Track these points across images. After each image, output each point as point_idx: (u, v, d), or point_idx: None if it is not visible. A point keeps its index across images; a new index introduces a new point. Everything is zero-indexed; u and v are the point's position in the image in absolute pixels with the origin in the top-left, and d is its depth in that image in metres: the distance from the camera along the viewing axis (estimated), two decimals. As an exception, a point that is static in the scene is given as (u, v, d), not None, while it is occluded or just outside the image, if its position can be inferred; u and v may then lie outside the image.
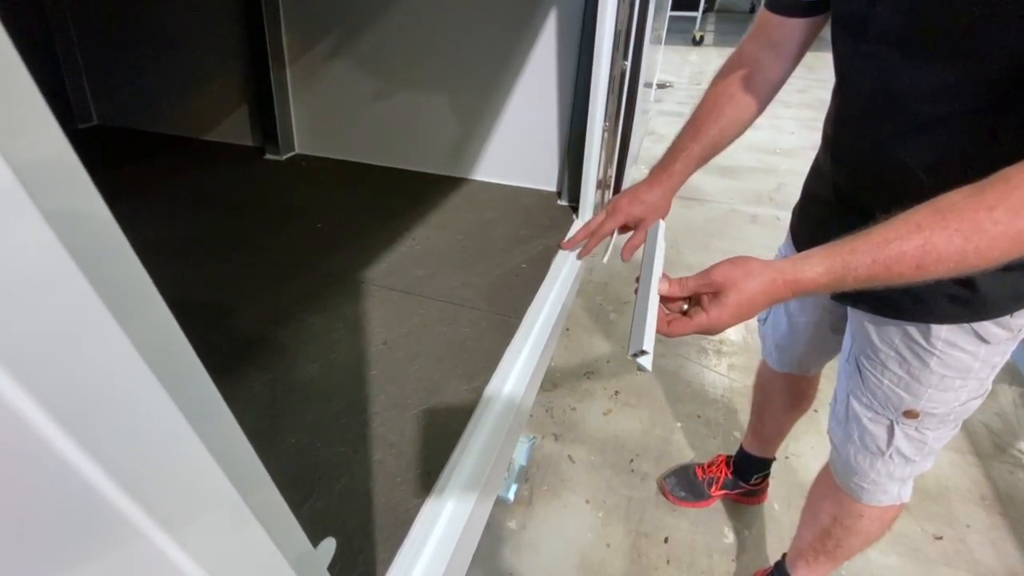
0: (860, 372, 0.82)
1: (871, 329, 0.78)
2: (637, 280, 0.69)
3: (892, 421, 0.81)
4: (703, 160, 0.85)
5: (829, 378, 1.76)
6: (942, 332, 0.71)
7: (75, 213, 0.18)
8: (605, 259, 0.84)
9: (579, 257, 0.94)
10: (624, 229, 0.91)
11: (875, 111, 0.68)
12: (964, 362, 0.72)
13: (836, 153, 0.77)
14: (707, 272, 0.63)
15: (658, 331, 0.64)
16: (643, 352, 0.62)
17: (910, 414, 0.78)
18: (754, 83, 0.82)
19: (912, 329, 0.74)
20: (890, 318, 0.75)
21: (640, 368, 0.64)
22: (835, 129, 0.76)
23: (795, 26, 0.78)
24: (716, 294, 0.61)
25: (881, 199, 0.70)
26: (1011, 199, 0.50)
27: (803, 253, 0.60)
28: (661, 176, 0.85)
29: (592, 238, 0.87)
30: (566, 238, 0.96)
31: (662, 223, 0.78)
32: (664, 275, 0.67)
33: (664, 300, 0.66)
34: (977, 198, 0.52)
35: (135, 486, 0.21)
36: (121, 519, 0.21)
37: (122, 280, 0.20)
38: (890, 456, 0.83)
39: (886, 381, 0.79)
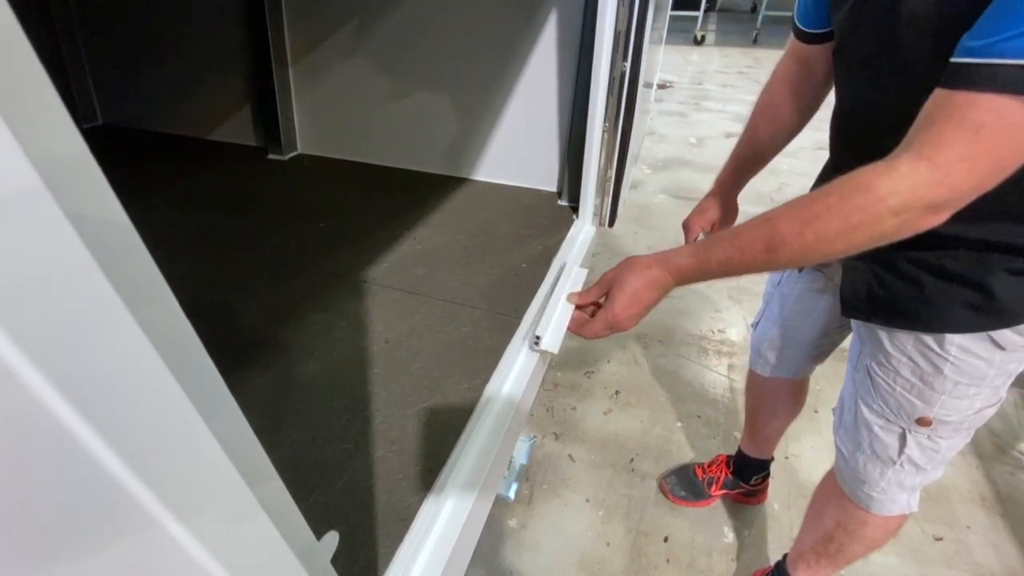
0: (871, 378, 0.81)
1: (883, 335, 0.77)
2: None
3: (904, 429, 0.79)
4: (756, 164, 0.98)
5: (830, 380, 1.78)
6: (956, 338, 0.70)
7: (94, 214, 0.19)
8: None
9: None
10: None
11: (863, 133, 0.72)
12: (979, 369, 0.71)
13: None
14: (602, 276, 0.74)
15: (574, 332, 0.81)
16: (537, 338, 0.85)
17: (923, 421, 0.77)
18: (794, 96, 0.90)
19: (926, 335, 0.73)
20: (905, 329, 0.74)
21: (533, 348, 0.88)
22: (835, 151, 0.81)
23: (817, 50, 0.84)
24: (609, 293, 0.71)
25: None
26: (845, 186, 0.56)
27: (680, 247, 0.71)
28: (715, 188, 1.00)
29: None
30: None
31: (585, 272, 1.03)
32: (572, 292, 0.86)
33: (581, 310, 0.83)
34: (822, 190, 0.58)
35: (150, 475, 0.22)
36: (138, 507, 0.22)
37: (137, 278, 0.21)
38: (901, 465, 0.82)
39: (898, 388, 0.77)
